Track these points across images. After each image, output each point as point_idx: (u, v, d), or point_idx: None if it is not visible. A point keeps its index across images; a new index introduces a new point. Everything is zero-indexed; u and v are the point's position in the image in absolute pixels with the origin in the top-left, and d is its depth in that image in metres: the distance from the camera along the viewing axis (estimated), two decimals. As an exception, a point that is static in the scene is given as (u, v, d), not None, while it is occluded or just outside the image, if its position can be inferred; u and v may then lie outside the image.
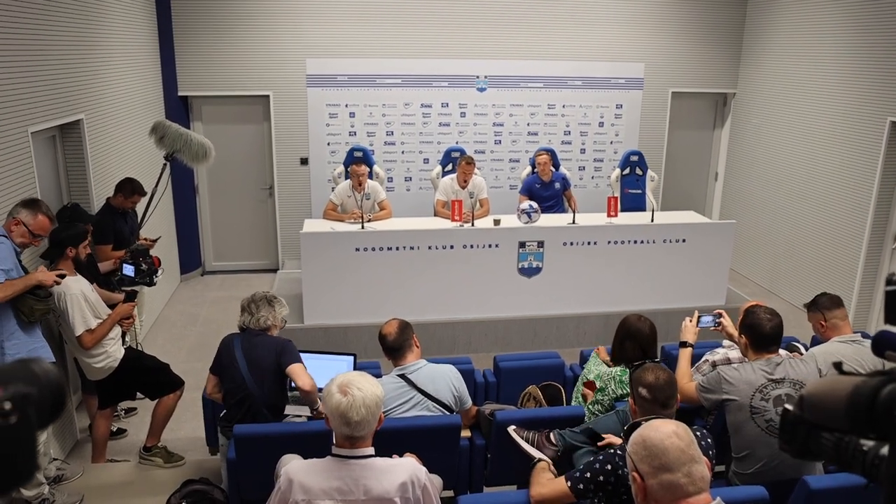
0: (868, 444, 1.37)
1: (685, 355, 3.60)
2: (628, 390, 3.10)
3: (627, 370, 3.46)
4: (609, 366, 3.78)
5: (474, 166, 6.98)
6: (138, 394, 4.69)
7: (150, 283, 4.75)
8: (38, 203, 3.90)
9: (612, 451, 2.62)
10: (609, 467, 2.55)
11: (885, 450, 1.34)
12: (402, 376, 3.50)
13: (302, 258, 6.21)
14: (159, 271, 4.89)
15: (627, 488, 2.49)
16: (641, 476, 1.83)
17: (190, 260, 8.38)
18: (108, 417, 4.54)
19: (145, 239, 5.39)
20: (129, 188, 5.12)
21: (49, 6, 4.86)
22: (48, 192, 5.04)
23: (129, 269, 4.50)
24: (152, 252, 5.27)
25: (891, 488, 1.30)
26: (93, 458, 4.54)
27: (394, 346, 3.54)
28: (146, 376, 4.52)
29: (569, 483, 2.61)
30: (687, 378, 3.46)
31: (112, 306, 4.41)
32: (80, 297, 4.06)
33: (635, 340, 3.54)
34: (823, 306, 3.86)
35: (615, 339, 3.68)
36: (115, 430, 5.03)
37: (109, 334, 4.27)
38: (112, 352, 4.24)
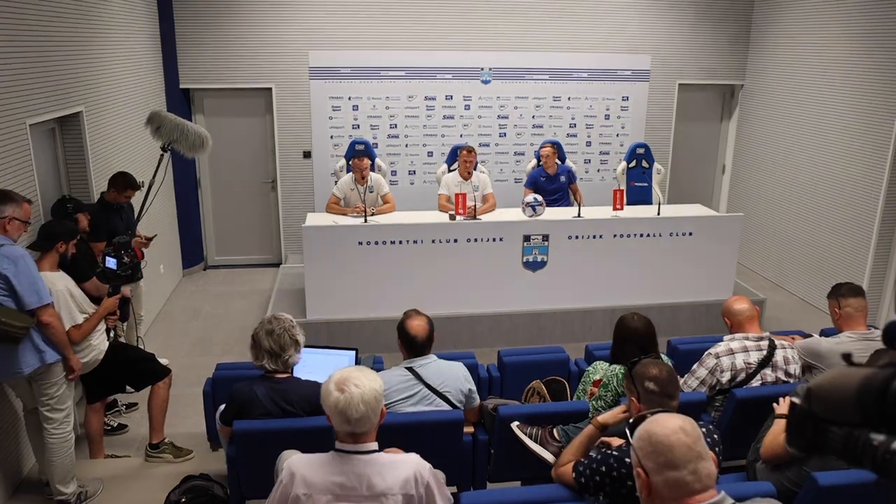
0: (878, 438, 1.32)
1: (781, 425, 3.16)
2: None
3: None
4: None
5: (475, 154, 6.93)
6: (128, 388, 4.64)
7: (133, 278, 4.66)
8: (11, 193, 3.84)
9: (608, 451, 2.58)
10: (604, 469, 2.54)
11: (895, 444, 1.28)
12: (411, 369, 3.45)
13: (304, 252, 6.17)
14: (142, 264, 4.83)
15: (629, 488, 2.45)
16: (646, 472, 1.78)
17: (192, 254, 8.35)
18: (99, 412, 4.50)
19: (140, 236, 5.34)
20: (122, 183, 5.07)
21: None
22: (47, 185, 5.01)
23: (111, 262, 4.43)
24: (146, 249, 5.24)
25: None
26: (91, 454, 4.51)
27: (422, 345, 3.46)
28: (132, 367, 4.48)
29: (574, 474, 2.65)
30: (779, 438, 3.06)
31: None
32: (66, 294, 4.01)
33: (633, 341, 3.49)
34: (840, 293, 3.92)
35: (614, 342, 3.65)
36: (115, 425, 5.02)
37: None
38: (96, 345, 4.20)
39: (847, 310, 3.84)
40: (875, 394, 1.17)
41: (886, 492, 1.34)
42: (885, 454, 1.30)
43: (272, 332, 3.23)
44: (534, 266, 6.44)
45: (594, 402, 3.56)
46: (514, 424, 3.37)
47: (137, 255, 4.75)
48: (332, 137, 8.32)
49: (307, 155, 8.34)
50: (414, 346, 3.46)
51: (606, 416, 2.86)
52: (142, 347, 5.05)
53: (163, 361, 4.74)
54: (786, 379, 3.67)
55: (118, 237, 4.61)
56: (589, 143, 8.85)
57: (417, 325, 3.45)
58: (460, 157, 6.89)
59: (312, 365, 3.54)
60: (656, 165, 7.85)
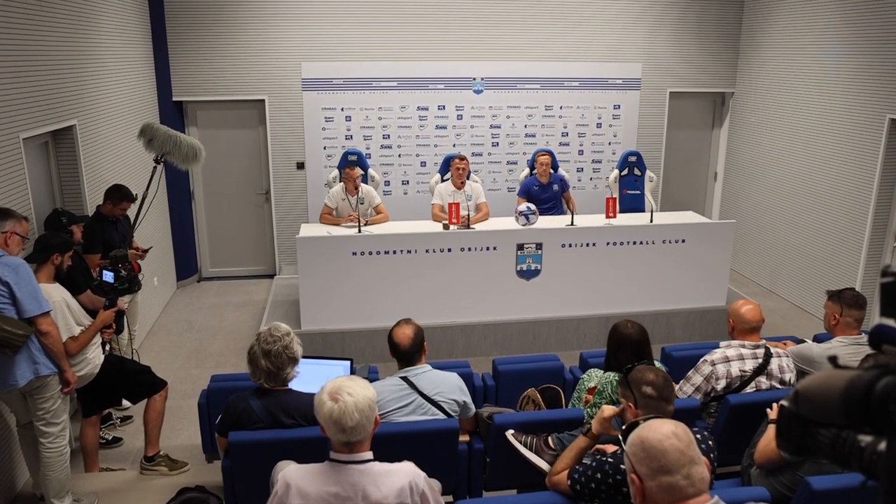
0: (866, 439, 1.33)
1: (773, 430, 3.16)
2: None
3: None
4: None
5: (468, 161, 6.96)
6: (125, 402, 4.63)
7: (131, 290, 4.64)
8: (11, 210, 3.90)
9: (603, 458, 2.59)
10: (599, 476, 2.55)
11: (882, 445, 1.30)
12: (405, 378, 3.45)
13: (298, 263, 6.17)
14: (140, 277, 4.82)
15: (624, 495, 2.46)
16: (640, 478, 1.79)
17: (186, 266, 8.34)
18: (94, 425, 4.48)
19: (137, 249, 5.33)
20: (118, 195, 5.06)
21: (42, 12, 4.83)
22: (41, 199, 5.01)
23: (108, 276, 4.43)
24: (142, 261, 5.23)
25: (889, 484, 1.25)
26: (86, 468, 4.49)
27: (406, 354, 3.46)
28: (128, 379, 4.47)
29: (569, 482, 2.67)
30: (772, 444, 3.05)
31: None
32: (62, 305, 4.01)
33: (627, 348, 3.49)
34: (845, 301, 3.84)
35: (608, 350, 3.64)
36: (110, 438, 5.00)
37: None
38: (91, 358, 4.19)
39: (847, 319, 3.84)
40: (859, 395, 1.18)
41: (874, 494, 1.35)
42: (871, 455, 1.31)
43: (269, 353, 3.13)
44: (528, 274, 6.46)
45: (589, 410, 3.56)
46: (509, 433, 3.38)
47: (135, 268, 4.75)
48: (325, 148, 8.34)
49: (300, 166, 8.35)
50: (399, 354, 3.47)
51: (594, 425, 2.85)
52: (137, 360, 5.04)
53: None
54: (780, 387, 3.68)
55: (115, 251, 4.62)
56: (581, 152, 8.89)
57: (402, 333, 3.46)
58: (453, 166, 6.91)
59: (307, 375, 3.52)
60: (648, 173, 7.88)
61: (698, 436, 2.57)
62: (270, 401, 3.25)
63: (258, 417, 3.22)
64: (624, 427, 2.58)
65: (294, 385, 3.39)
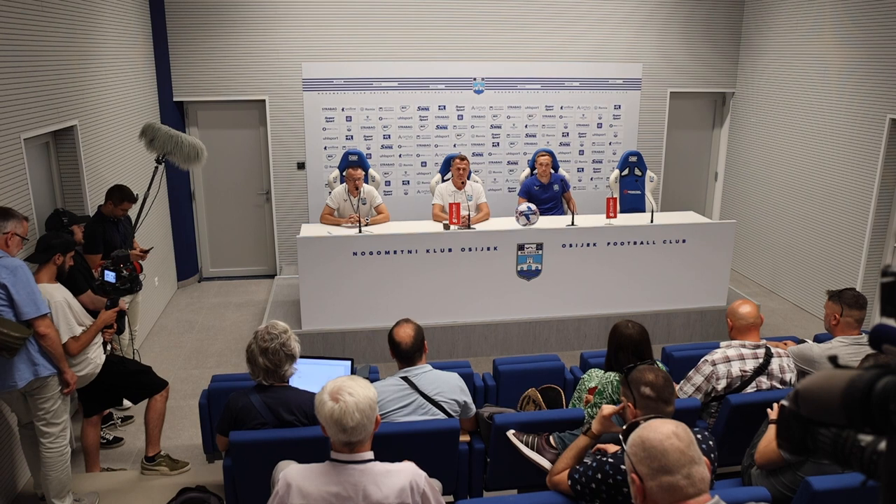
0: (866, 439, 1.33)
1: (773, 430, 3.13)
2: None
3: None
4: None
5: (468, 162, 6.96)
6: (126, 402, 4.63)
7: (132, 290, 4.65)
8: (13, 210, 3.90)
9: (604, 458, 2.60)
10: (599, 476, 2.56)
11: (882, 445, 1.30)
12: (406, 378, 3.45)
13: (299, 263, 6.17)
14: (141, 277, 4.83)
15: (625, 495, 2.47)
16: (640, 477, 1.79)
17: (187, 266, 8.34)
18: (95, 425, 4.49)
19: (137, 248, 5.34)
20: (119, 196, 5.06)
21: (42, 12, 4.83)
22: (41, 199, 5.01)
23: (110, 276, 4.44)
24: (143, 262, 5.23)
25: (889, 484, 1.26)
26: (87, 468, 4.50)
27: (408, 353, 3.46)
28: (129, 379, 4.48)
29: (569, 482, 2.67)
30: (773, 444, 3.06)
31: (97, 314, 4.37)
32: (64, 305, 4.01)
33: (627, 348, 3.49)
34: (846, 301, 3.85)
35: (609, 350, 3.64)
36: (111, 438, 5.01)
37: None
38: (93, 358, 4.20)
39: (848, 320, 3.84)
40: (859, 395, 1.19)
41: (874, 494, 1.35)
42: (871, 455, 1.31)
43: (266, 351, 3.17)
44: (528, 275, 6.46)
45: (589, 410, 3.56)
46: (510, 432, 3.38)
47: (136, 267, 4.75)
48: (325, 148, 8.34)
49: (301, 166, 8.36)
50: (400, 354, 3.47)
51: (594, 425, 2.85)
52: (138, 360, 5.05)
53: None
54: (780, 387, 3.68)
55: (117, 251, 4.62)
56: (582, 152, 8.89)
57: (403, 333, 3.46)
58: (453, 166, 6.91)
59: (308, 375, 3.53)
60: (649, 173, 7.88)
61: (699, 436, 2.58)
62: (271, 396, 3.26)
63: (258, 413, 3.23)
64: (625, 427, 2.59)
65: (294, 384, 3.39)
